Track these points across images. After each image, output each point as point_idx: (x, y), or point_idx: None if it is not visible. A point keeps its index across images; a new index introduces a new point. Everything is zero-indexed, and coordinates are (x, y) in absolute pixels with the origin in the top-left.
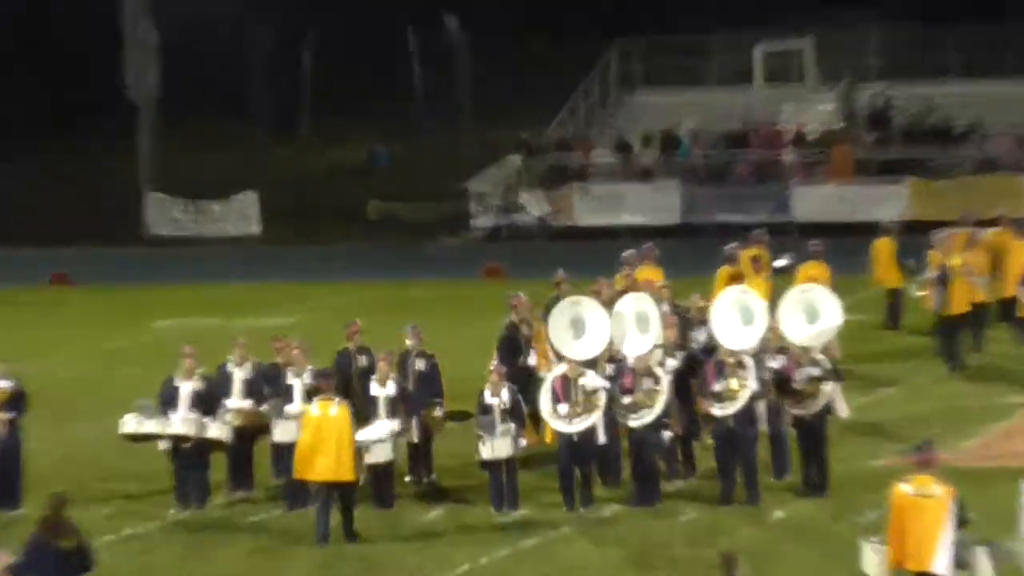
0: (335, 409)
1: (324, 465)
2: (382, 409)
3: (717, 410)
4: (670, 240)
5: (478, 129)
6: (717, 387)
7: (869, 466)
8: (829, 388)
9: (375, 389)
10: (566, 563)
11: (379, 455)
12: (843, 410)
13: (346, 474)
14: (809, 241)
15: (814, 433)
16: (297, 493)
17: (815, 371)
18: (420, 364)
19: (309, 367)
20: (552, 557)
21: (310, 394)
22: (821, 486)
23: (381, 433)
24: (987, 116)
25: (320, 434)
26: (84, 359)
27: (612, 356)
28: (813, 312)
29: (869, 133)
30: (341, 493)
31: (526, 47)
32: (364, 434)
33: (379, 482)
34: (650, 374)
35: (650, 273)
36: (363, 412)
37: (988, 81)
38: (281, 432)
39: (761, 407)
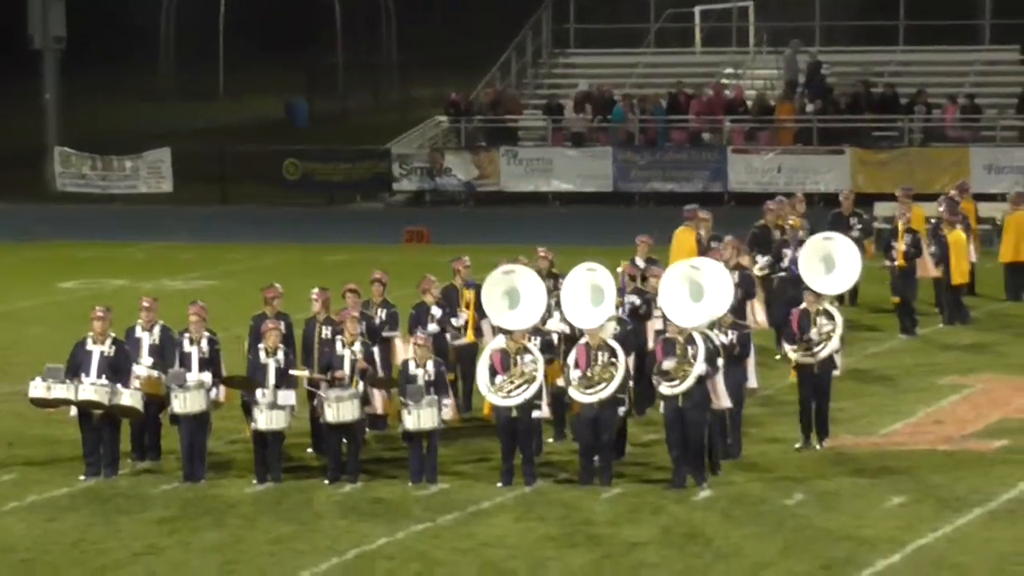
0: None
1: None
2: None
3: (667, 389)
4: (601, 208)
5: (402, 87)
6: (667, 365)
7: (800, 448)
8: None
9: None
10: (485, 539)
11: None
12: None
13: None
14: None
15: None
16: (195, 467)
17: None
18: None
19: (206, 334)
20: (471, 533)
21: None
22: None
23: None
24: (933, 84)
25: None
26: None
27: (537, 328)
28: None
29: (811, 101)
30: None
31: (454, 2)
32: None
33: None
34: (605, 348)
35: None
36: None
37: (934, 48)
38: (180, 403)
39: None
